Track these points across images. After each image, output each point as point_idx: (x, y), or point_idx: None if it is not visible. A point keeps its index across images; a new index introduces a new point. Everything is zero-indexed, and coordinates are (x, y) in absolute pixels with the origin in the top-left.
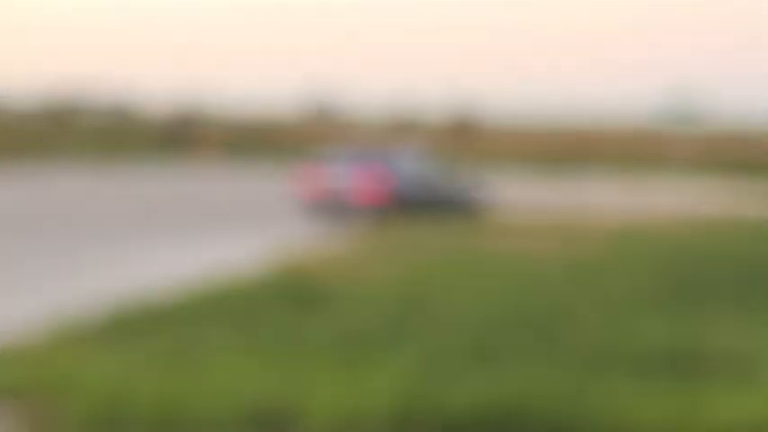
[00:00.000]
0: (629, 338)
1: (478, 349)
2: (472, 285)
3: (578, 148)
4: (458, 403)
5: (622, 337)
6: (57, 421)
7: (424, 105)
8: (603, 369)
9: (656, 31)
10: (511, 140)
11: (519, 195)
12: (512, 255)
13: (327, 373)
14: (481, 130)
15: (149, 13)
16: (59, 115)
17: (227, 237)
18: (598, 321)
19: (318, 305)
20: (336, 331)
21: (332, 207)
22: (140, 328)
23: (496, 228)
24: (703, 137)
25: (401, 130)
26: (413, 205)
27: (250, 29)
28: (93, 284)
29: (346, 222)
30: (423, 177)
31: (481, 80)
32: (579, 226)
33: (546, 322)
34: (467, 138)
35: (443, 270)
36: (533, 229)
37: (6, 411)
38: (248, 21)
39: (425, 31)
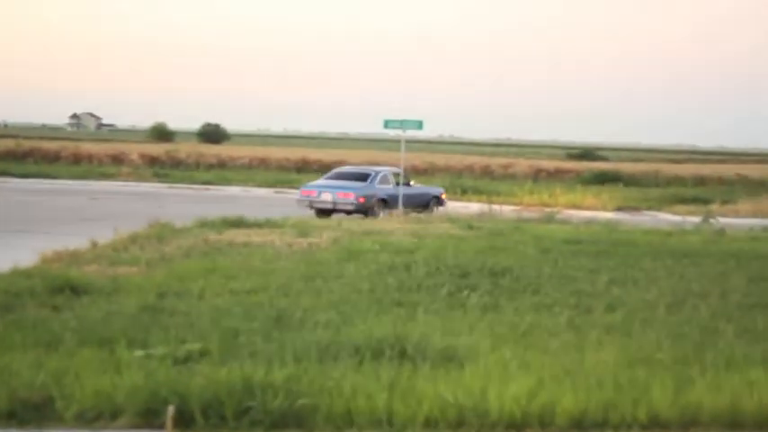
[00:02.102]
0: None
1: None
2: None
3: None
4: (200, 388)
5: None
6: None
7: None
8: (329, 357)
9: None
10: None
11: None
12: None
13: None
14: (224, 139)
15: None
16: None
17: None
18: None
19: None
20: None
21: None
22: None
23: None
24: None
25: (158, 137)
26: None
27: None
28: None
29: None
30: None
31: (224, 101)
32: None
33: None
34: (212, 145)
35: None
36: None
37: None
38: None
39: None
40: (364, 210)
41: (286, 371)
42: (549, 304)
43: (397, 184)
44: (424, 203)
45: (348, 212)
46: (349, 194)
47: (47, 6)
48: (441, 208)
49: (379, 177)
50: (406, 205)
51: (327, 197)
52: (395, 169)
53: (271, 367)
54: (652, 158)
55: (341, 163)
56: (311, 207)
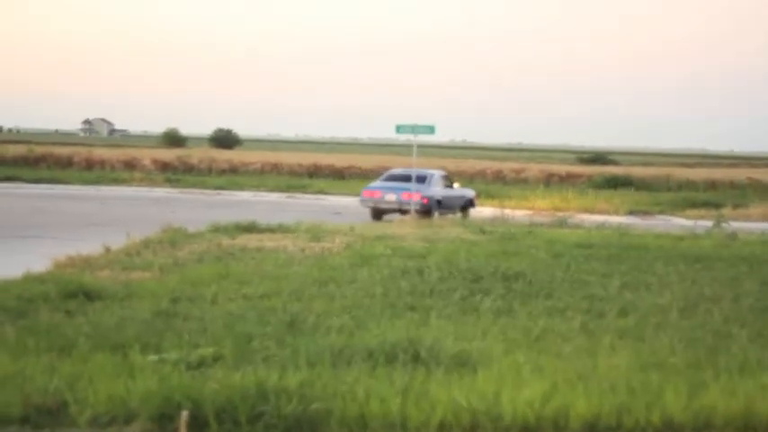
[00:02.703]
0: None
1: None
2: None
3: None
4: (213, 393)
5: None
6: None
7: (190, 125)
8: (342, 362)
9: None
10: (259, 154)
11: None
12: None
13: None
14: (237, 145)
15: None
16: None
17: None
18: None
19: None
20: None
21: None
22: None
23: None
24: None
25: (170, 142)
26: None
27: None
28: None
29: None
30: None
31: (238, 106)
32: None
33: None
34: (225, 150)
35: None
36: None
37: None
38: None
39: None
40: (428, 210)
41: (300, 375)
42: (561, 308)
43: (450, 186)
44: (463, 205)
45: (403, 212)
46: (415, 195)
47: (59, 12)
48: (471, 210)
49: (434, 179)
50: (450, 207)
51: (392, 198)
52: (443, 172)
53: (284, 372)
54: (663, 162)
55: (353, 168)
56: (373, 208)
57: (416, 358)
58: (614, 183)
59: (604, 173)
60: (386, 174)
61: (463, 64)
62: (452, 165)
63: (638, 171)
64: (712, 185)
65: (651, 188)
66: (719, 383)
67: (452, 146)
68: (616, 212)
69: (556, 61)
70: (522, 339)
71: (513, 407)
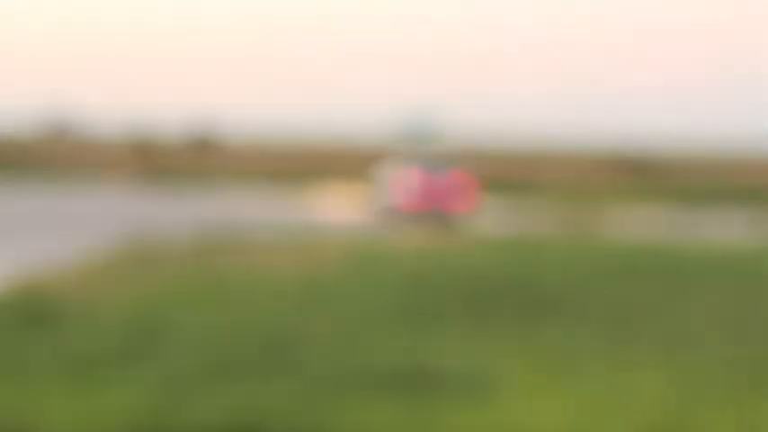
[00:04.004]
0: (365, 356)
1: (218, 368)
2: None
3: (318, 165)
4: (197, 420)
5: (359, 355)
6: None
7: (163, 123)
8: (340, 385)
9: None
10: (252, 158)
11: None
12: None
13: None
14: (222, 147)
15: None
16: None
17: None
18: (336, 339)
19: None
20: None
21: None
22: None
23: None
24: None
25: (141, 148)
26: None
27: None
28: None
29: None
30: None
31: (223, 98)
32: (321, 246)
33: (285, 339)
34: (207, 155)
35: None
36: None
37: None
38: None
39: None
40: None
41: (298, 398)
42: (582, 325)
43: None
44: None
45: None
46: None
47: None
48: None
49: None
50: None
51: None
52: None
53: (276, 396)
54: (690, 167)
55: (347, 167)
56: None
57: (423, 380)
58: (639, 190)
59: (627, 180)
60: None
61: (473, 55)
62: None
63: (663, 175)
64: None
65: (679, 196)
66: (758, 408)
67: (464, 146)
68: (641, 221)
69: (570, 62)
70: (539, 360)
71: None
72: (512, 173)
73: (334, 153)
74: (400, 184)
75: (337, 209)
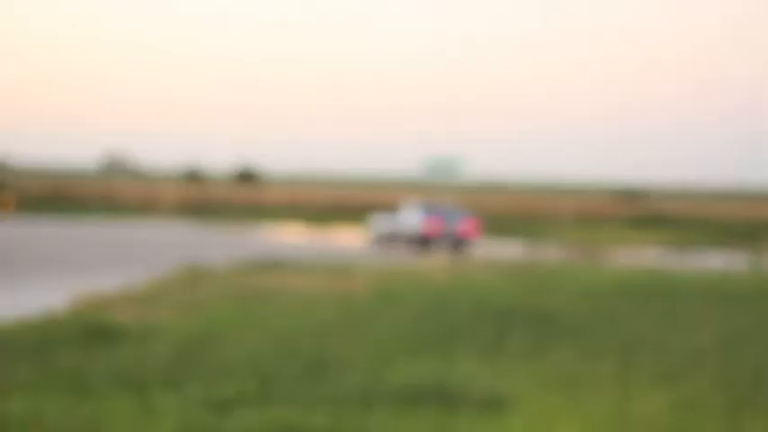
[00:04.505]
0: (391, 373)
1: (258, 384)
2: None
3: (350, 199)
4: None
5: (385, 372)
6: None
7: (210, 159)
8: (369, 403)
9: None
10: (290, 191)
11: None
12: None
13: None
14: (263, 182)
15: None
16: None
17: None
18: (365, 354)
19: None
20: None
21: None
22: None
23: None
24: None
25: (189, 181)
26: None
27: (45, 85)
28: None
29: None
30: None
31: (265, 137)
32: (351, 269)
33: (318, 354)
34: (251, 188)
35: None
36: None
37: None
38: (42, 77)
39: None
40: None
41: (325, 416)
42: (594, 349)
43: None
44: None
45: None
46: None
47: (71, 42)
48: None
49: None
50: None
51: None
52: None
53: (309, 412)
54: (699, 197)
55: (381, 204)
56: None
57: (445, 399)
58: (648, 219)
59: (638, 209)
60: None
61: (492, 94)
62: (481, 199)
63: (673, 206)
64: (750, 222)
65: (687, 225)
66: (759, 426)
67: (482, 181)
68: (650, 250)
69: (587, 91)
70: (553, 380)
71: None
72: (523, 208)
73: (365, 188)
74: (417, 218)
75: (363, 239)
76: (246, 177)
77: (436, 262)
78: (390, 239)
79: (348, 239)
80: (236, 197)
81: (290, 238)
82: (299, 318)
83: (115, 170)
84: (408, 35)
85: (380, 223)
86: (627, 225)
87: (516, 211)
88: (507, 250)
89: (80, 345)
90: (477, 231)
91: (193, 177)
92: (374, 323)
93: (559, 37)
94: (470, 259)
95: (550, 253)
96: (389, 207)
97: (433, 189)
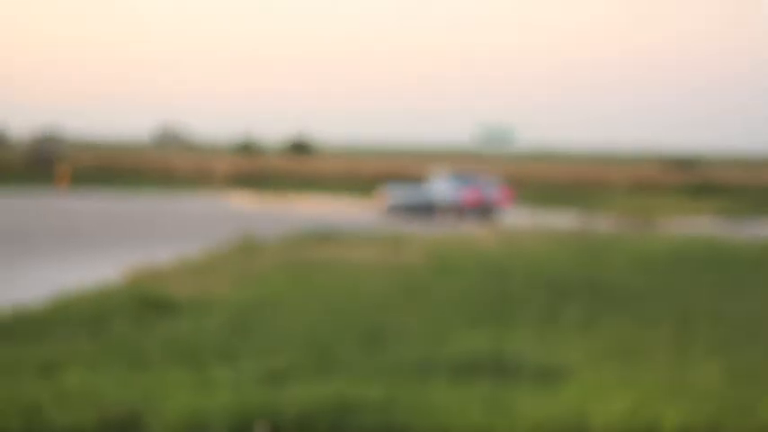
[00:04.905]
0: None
1: (315, 355)
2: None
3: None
4: (292, 405)
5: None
6: None
7: (264, 130)
8: (425, 374)
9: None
10: (341, 162)
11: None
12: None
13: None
14: (317, 153)
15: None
16: None
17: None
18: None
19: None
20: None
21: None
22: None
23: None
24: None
25: (242, 153)
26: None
27: (99, 58)
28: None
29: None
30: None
31: (315, 108)
32: (401, 239)
33: (374, 324)
34: (303, 158)
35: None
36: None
37: None
38: (95, 50)
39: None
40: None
41: (381, 388)
42: (649, 319)
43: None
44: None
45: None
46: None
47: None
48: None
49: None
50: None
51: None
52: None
53: (365, 384)
54: (752, 165)
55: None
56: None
57: (500, 370)
58: (703, 188)
59: (693, 178)
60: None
61: (544, 62)
62: (533, 169)
63: (728, 175)
64: None
65: (742, 193)
66: None
67: (533, 150)
68: (705, 219)
69: (642, 59)
70: (608, 350)
71: (600, 420)
72: (575, 177)
73: (417, 158)
74: (452, 188)
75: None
76: (300, 148)
77: (489, 231)
78: (411, 209)
79: None
80: (290, 168)
81: (344, 208)
82: (353, 289)
83: (168, 142)
84: (461, 2)
85: (398, 193)
86: (680, 193)
87: (568, 181)
88: (560, 220)
89: (135, 317)
90: (509, 200)
91: (247, 149)
92: (429, 293)
93: (612, 2)
94: (523, 229)
95: (603, 222)
96: (410, 177)
97: (486, 158)
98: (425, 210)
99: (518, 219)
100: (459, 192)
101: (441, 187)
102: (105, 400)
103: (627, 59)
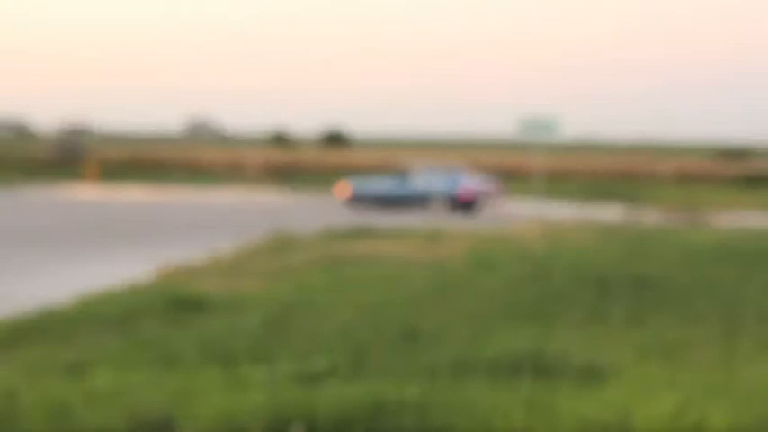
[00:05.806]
0: (487, 345)
1: (349, 355)
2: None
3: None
4: (327, 406)
5: (482, 344)
6: None
7: (297, 123)
8: (463, 373)
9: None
10: (379, 156)
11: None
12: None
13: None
14: (352, 145)
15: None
16: None
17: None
18: (459, 323)
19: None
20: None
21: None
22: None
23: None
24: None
25: (276, 145)
26: None
27: (128, 49)
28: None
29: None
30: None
31: (354, 99)
32: (434, 234)
33: (409, 322)
34: (338, 152)
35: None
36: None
37: None
38: (124, 40)
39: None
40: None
41: (419, 388)
42: (696, 316)
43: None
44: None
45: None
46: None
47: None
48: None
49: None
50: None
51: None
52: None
53: (402, 384)
54: None
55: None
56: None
57: (541, 369)
58: (756, 180)
59: (745, 170)
60: None
61: (589, 52)
62: (579, 162)
63: None
64: None
65: None
66: None
67: (579, 142)
68: (758, 213)
69: (689, 48)
70: (653, 349)
71: (644, 420)
72: (621, 168)
73: (457, 150)
74: (446, 181)
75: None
76: (335, 140)
77: (528, 225)
78: (380, 201)
79: None
80: (325, 161)
81: None
82: (390, 285)
83: (199, 134)
84: None
85: (361, 186)
86: (729, 185)
87: (614, 172)
88: (605, 213)
89: (166, 316)
90: (497, 191)
91: (280, 141)
92: (468, 290)
93: None
94: (566, 222)
95: (650, 215)
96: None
97: (530, 149)
98: (402, 202)
99: (562, 212)
100: (448, 184)
101: (423, 180)
102: (136, 401)
103: (674, 48)
